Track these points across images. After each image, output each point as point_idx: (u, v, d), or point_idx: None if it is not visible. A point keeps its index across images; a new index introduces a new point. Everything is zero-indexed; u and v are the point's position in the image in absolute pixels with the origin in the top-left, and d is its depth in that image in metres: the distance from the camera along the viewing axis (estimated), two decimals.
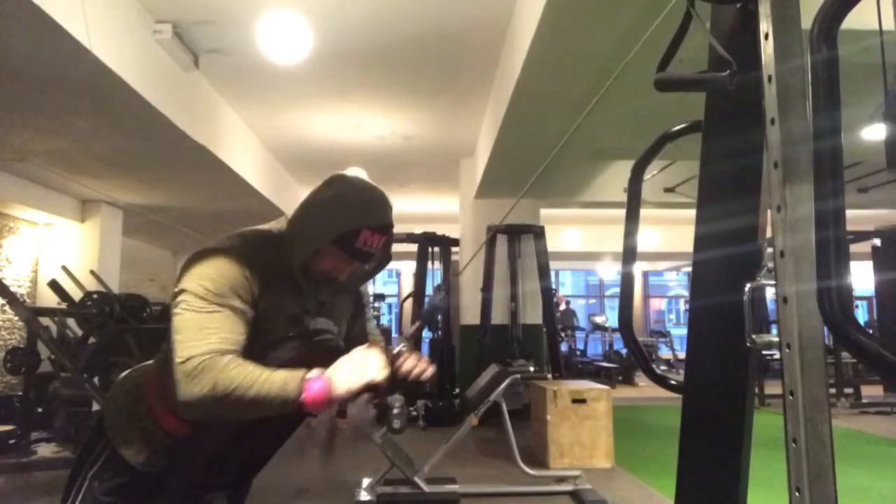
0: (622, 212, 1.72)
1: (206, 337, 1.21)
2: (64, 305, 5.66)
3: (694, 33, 1.24)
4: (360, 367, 1.24)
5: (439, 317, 7.90)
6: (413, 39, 4.69)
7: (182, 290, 1.26)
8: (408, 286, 14.05)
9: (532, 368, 6.86)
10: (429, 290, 8.11)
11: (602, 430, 4.90)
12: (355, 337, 1.57)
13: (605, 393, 5.02)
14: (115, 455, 1.36)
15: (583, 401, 4.93)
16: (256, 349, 1.29)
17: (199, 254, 1.31)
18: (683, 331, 14.94)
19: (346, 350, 1.36)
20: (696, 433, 1.28)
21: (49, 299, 6.02)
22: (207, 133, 5.51)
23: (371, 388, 1.26)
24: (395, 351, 1.38)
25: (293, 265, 1.36)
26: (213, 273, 1.26)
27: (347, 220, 1.32)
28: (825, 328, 0.93)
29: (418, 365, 1.40)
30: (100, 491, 1.35)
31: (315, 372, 1.22)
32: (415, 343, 7.54)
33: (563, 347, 10.53)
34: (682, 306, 19.51)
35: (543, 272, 7.27)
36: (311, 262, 1.36)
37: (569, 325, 12.82)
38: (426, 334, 8.38)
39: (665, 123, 1.66)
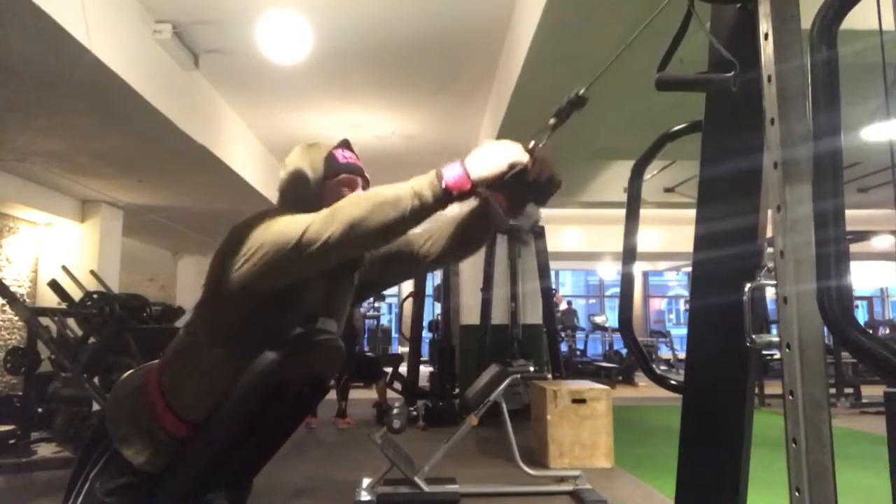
0: (622, 212, 1.73)
1: (306, 217, 1.22)
2: (64, 305, 5.65)
3: (694, 33, 1.24)
4: (499, 150, 1.18)
5: (436, 313, 7.88)
6: (413, 39, 4.69)
7: (249, 233, 1.23)
8: (408, 286, 14.04)
9: (532, 368, 6.86)
10: (429, 291, 8.12)
11: (602, 430, 4.90)
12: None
13: (605, 393, 5.02)
14: (117, 455, 1.36)
15: (583, 401, 4.93)
16: (264, 345, 1.28)
17: (247, 221, 1.29)
18: (683, 331, 14.95)
19: (345, 350, 1.36)
20: (696, 433, 1.28)
21: (49, 299, 6.01)
22: (207, 133, 5.51)
23: (514, 171, 1.17)
24: (530, 145, 1.25)
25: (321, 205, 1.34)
26: (270, 213, 1.30)
27: (318, 156, 1.40)
28: (825, 328, 0.93)
29: (550, 165, 1.26)
30: (101, 491, 1.35)
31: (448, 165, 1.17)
32: (414, 335, 7.54)
33: (563, 347, 10.53)
34: (682, 306, 19.52)
35: (543, 272, 7.27)
36: (322, 203, 1.34)
37: (569, 325, 12.82)
38: (426, 334, 8.38)
39: (665, 123, 1.66)
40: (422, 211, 1.14)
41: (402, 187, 1.15)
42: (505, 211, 1.29)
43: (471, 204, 1.37)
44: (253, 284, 1.24)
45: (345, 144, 1.47)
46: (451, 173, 1.15)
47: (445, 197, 1.14)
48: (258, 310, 1.30)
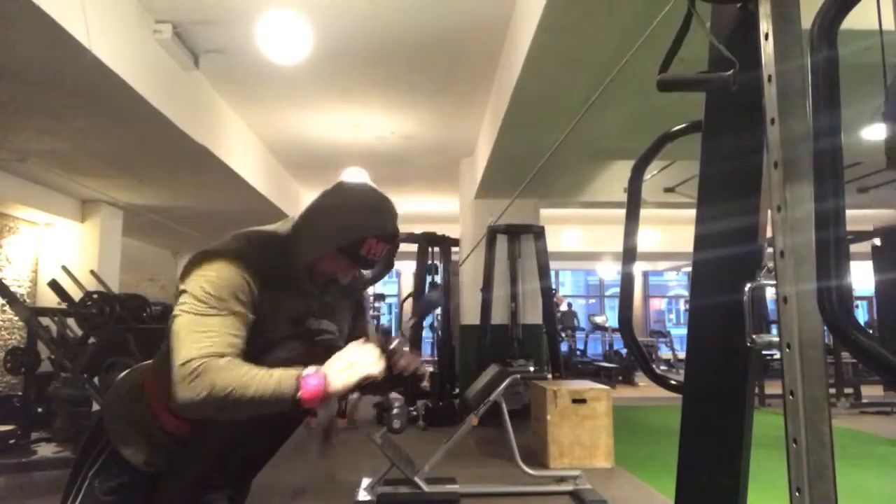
0: (622, 212, 1.73)
1: (204, 339, 1.22)
2: (64, 305, 5.65)
3: (694, 33, 1.24)
4: (355, 362, 1.25)
5: (436, 313, 7.90)
6: (413, 39, 4.69)
7: (183, 291, 1.28)
8: (408, 286, 14.04)
9: (532, 368, 6.86)
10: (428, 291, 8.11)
11: (602, 430, 4.90)
12: (355, 338, 1.57)
13: (605, 393, 5.02)
14: (116, 454, 1.36)
15: (583, 401, 4.93)
16: (258, 349, 1.30)
17: (201, 255, 1.31)
18: (683, 331, 14.93)
19: (342, 349, 1.37)
20: (696, 433, 1.28)
21: (49, 299, 6.01)
22: (207, 133, 5.51)
23: (367, 383, 1.26)
24: (390, 346, 1.38)
25: (297, 267, 1.36)
26: (214, 276, 1.27)
27: (353, 229, 1.33)
28: (825, 328, 0.93)
29: (412, 361, 1.41)
30: (100, 490, 1.35)
31: (311, 368, 1.23)
32: (413, 337, 7.55)
33: (563, 347, 10.53)
34: (682, 306, 19.51)
35: (543, 272, 7.27)
36: (314, 264, 1.38)
37: (569, 326, 12.82)
38: (427, 334, 8.38)
39: (665, 123, 1.66)
40: (276, 408, 1.21)
41: (269, 384, 1.20)
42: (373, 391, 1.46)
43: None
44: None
45: (389, 238, 1.38)
46: (310, 384, 1.21)
47: (298, 405, 1.21)
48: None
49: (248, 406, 1.19)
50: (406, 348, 1.42)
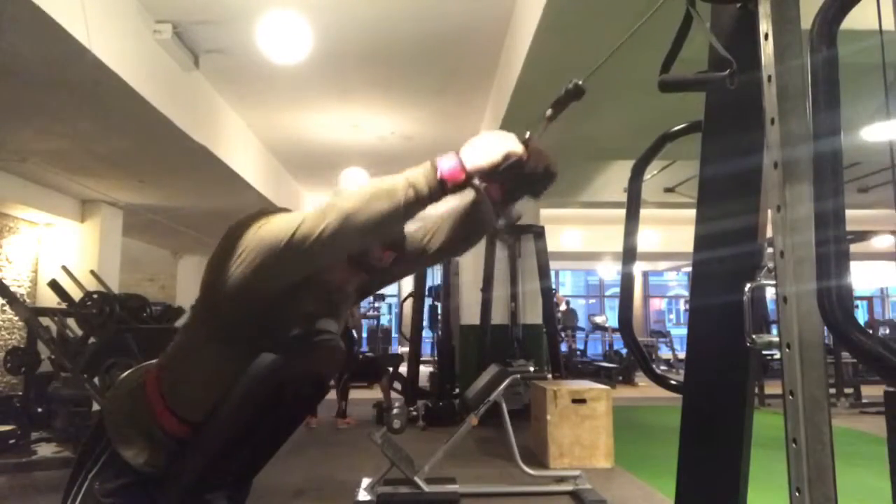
0: (622, 212, 1.73)
1: (299, 214, 1.17)
2: (64, 305, 5.66)
3: (696, 33, 1.24)
4: (494, 141, 1.17)
5: (436, 313, 7.88)
6: (413, 39, 4.69)
7: (243, 234, 1.20)
8: (408, 286, 14.02)
9: (532, 368, 6.86)
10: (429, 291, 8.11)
11: (602, 430, 4.90)
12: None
13: (605, 393, 5.02)
14: (116, 456, 1.35)
15: (583, 401, 4.93)
16: (263, 345, 1.28)
17: (241, 219, 1.25)
18: (683, 331, 14.94)
19: (342, 349, 1.36)
20: (696, 433, 1.28)
21: (49, 299, 6.01)
22: (207, 133, 5.51)
23: (509, 162, 1.15)
24: (526, 136, 1.24)
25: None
26: (266, 213, 1.24)
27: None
28: (825, 328, 0.93)
29: (545, 156, 1.26)
30: (100, 492, 1.35)
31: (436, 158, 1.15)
32: (413, 337, 7.54)
33: (563, 347, 10.53)
34: (682, 306, 19.52)
35: (543, 272, 7.27)
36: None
37: (570, 326, 12.82)
38: (427, 334, 8.38)
39: (665, 123, 1.66)
40: (417, 202, 1.12)
41: (396, 179, 1.13)
42: (499, 202, 1.29)
43: (467, 198, 1.35)
44: (249, 287, 1.21)
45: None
46: (447, 164, 1.14)
47: (440, 187, 1.13)
48: (256, 312, 1.28)
49: (383, 206, 1.09)
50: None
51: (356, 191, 1.14)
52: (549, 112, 1.24)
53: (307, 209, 1.19)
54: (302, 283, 1.31)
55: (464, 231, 1.45)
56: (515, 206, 1.35)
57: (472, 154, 1.14)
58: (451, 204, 1.32)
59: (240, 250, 1.20)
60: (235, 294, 1.22)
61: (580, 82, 1.21)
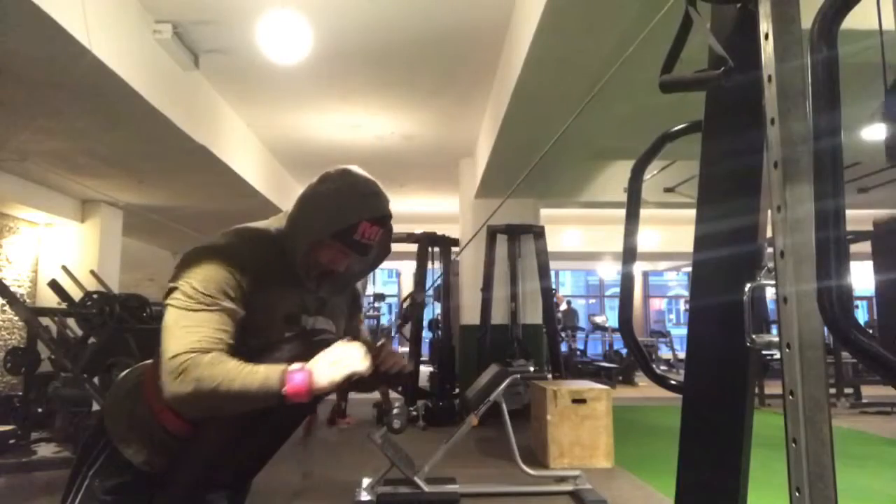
0: (622, 212, 1.72)
1: (191, 334, 1.23)
2: (64, 305, 5.65)
3: (697, 33, 1.24)
4: (341, 359, 1.26)
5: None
6: (413, 39, 4.70)
7: (173, 288, 1.29)
8: (408, 286, 14.03)
9: (532, 368, 6.86)
10: (429, 291, 8.10)
11: (602, 430, 4.90)
12: (346, 335, 1.58)
13: (605, 393, 5.01)
14: (116, 454, 1.36)
15: (583, 401, 4.93)
16: (256, 350, 1.29)
17: (192, 252, 1.33)
18: (683, 331, 14.94)
19: None
20: (696, 433, 1.28)
21: (49, 299, 6.01)
22: (207, 133, 5.51)
23: (352, 380, 1.26)
24: (377, 344, 1.41)
25: (295, 259, 1.37)
26: (203, 272, 1.29)
27: (346, 213, 1.35)
28: (825, 328, 0.92)
29: (398, 361, 1.42)
30: (100, 490, 1.35)
31: (297, 364, 1.23)
32: (413, 336, 7.53)
33: (563, 347, 10.53)
34: (682, 306, 19.52)
35: (543, 272, 7.27)
36: (309, 255, 1.38)
37: (570, 325, 12.82)
38: (427, 334, 8.39)
39: (665, 123, 1.66)
40: (262, 404, 1.23)
41: (256, 379, 1.21)
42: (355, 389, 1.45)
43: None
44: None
45: (382, 221, 1.41)
46: (295, 380, 1.22)
47: (283, 400, 1.22)
48: (245, 318, 1.34)
49: (236, 401, 1.21)
50: (394, 347, 1.43)
51: (224, 371, 1.21)
52: (399, 322, 1.50)
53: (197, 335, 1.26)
54: (270, 293, 1.36)
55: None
56: (399, 409, 1.58)
57: (320, 372, 1.24)
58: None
59: (166, 297, 1.32)
60: None
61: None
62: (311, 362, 1.25)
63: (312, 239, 1.36)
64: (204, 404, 1.22)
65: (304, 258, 1.38)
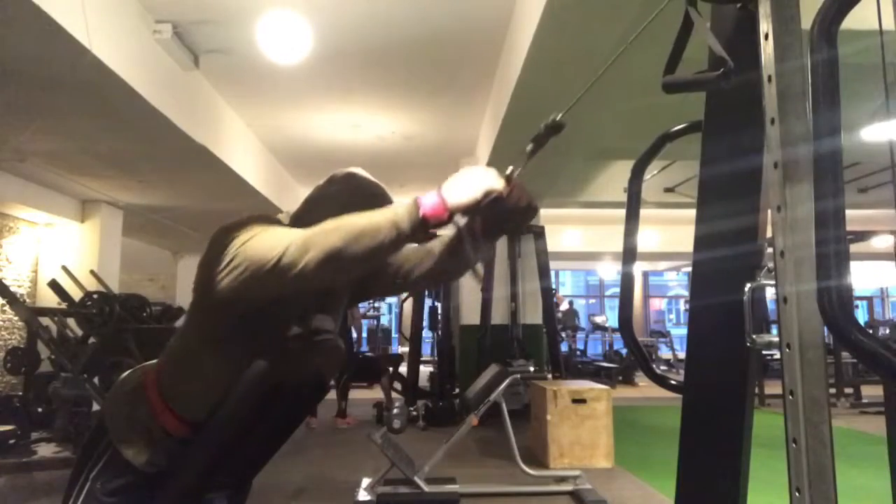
0: (622, 212, 1.72)
1: (286, 234, 1.18)
2: (64, 305, 5.65)
3: (699, 33, 1.23)
4: (474, 178, 1.19)
5: (437, 312, 7.89)
6: (413, 39, 4.69)
7: (231, 242, 1.21)
8: None
9: (532, 368, 6.86)
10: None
11: (602, 430, 4.91)
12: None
13: (605, 393, 5.02)
14: (117, 455, 1.36)
15: (583, 401, 4.93)
16: (259, 349, 1.29)
17: (227, 225, 1.27)
18: (683, 331, 14.94)
19: (342, 349, 1.37)
20: (696, 433, 1.28)
21: (49, 299, 6.01)
22: (207, 133, 5.51)
23: (489, 198, 1.18)
24: (507, 171, 1.27)
25: None
26: (253, 223, 1.25)
27: (371, 194, 1.36)
28: (825, 328, 0.92)
29: (526, 193, 1.31)
30: (101, 491, 1.35)
31: (420, 197, 1.17)
32: (414, 337, 7.53)
33: (563, 347, 10.53)
34: (682, 306, 19.52)
35: (543, 272, 7.27)
36: None
37: (570, 325, 12.82)
38: (427, 334, 8.39)
39: (665, 123, 1.66)
40: (399, 240, 1.15)
41: (379, 217, 1.15)
42: (479, 237, 1.32)
43: (449, 236, 1.39)
44: (236, 296, 1.23)
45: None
46: (429, 202, 1.15)
47: (423, 226, 1.15)
48: (249, 313, 1.30)
49: (368, 243, 1.11)
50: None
51: (342, 226, 1.14)
52: (529, 147, 1.27)
53: (295, 231, 1.20)
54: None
55: (443, 266, 1.49)
56: (492, 246, 1.38)
57: (454, 191, 1.16)
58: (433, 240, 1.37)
59: (227, 259, 1.21)
60: (225, 300, 1.24)
61: (559, 117, 1.23)
62: (442, 186, 1.18)
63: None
64: (336, 259, 1.12)
65: None
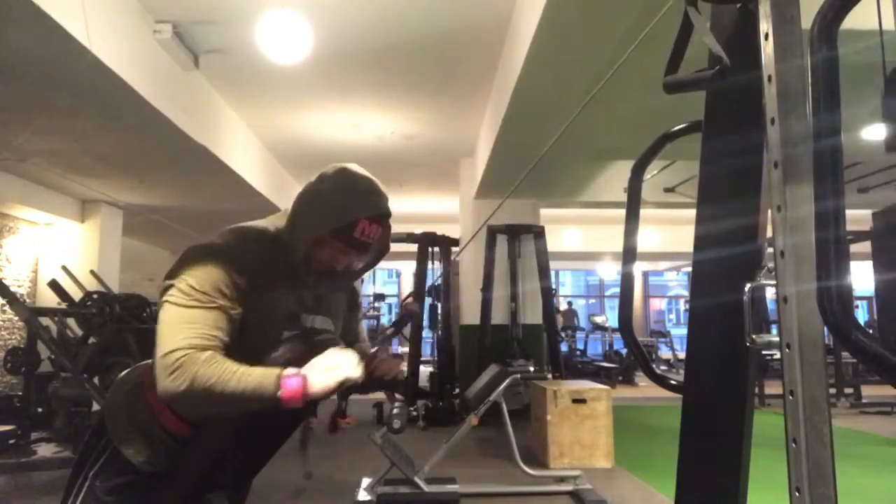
0: (622, 212, 1.72)
1: (186, 331, 1.23)
2: (64, 305, 5.65)
3: (699, 33, 1.23)
4: (336, 366, 1.26)
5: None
6: (413, 39, 4.70)
7: (169, 286, 1.29)
8: (408, 286, 14.03)
9: (532, 368, 6.86)
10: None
11: (602, 430, 4.90)
12: (344, 333, 1.58)
13: (605, 393, 5.01)
14: (117, 454, 1.36)
15: (583, 401, 4.93)
16: (255, 349, 1.29)
17: (190, 250, 1.33)
18: (683, 331, 14.94)
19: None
20: (696, 433, 1.28)
21: (49, 299, 6.01)
22: (207, 133, 5.51)
23: (346, 386, 1.27)
24: (370, 351, 1.41)
25: (295, 258, 1.36)
26: (199, 270, 1.28)
27: (344, 211, 1.35)
28: (825, 328, 0.92)
29: (392, 367, 1.44)
30: (101, 490, 1.35)
31: (291, 370, 1.23)
32: (413, 337, 7.53)
33: (563, 347, 10.53)
34: (682, 306, 19.53)
35: (543, 272, 7.27)
36: (309, 253, 1.38)
37: (570, 325, 12.82)
38: (427, 334, 8.39)
39: (665, 123, 1.65)
40: (259, 406, 1.23)
41: (247, 383, 1.21)
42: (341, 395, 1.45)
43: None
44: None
45: (380, 217, 1.40)
46: (290, 385, 1.22)
47: (278, 405, 1.22)
48: (244, 318, 1.33)
49: (231, 401, 1.21)
50: (393, 349, 1.43)
51: (216, 378, 1.20)
52: (389, 331, 1.56)
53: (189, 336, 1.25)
54: (271, 293, 1.35)
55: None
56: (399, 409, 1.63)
57: (315, 378, 1.24)
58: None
59: (162, 295, 1.31)
60: None
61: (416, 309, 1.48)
62: (305, 367, 1.25)
63: (312, 236, 1.35)
64: (198, 403, 1.23)
65: (305, 256, 1.38)
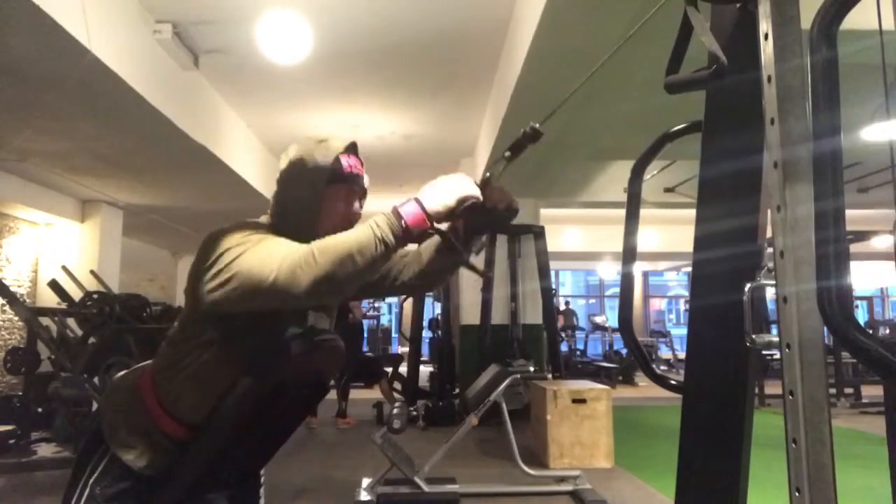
0: (622, 212, 1.72)
1: (275, 249, 1.18)
2: (64, 305, 5.66)
3: (698, 33, 1.23)
4: (450, 185, 1.21)
5: (436, 312, 7.88)
6: (413, 39, 4.69)
7: (223, 252, 1.21)
8: None
9: (532, 368, 6.86)
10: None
11: (602, 430, 4.91)
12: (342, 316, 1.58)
13: (605, 393, 5.02)
14: (116, 460, 1.34)
15: (583, 401, 4.93)
16: (257, 349, 1.29)
17: (209, 235, 1.28)
18: (683, 331, 14.95)
19: (342, 349, 1.36)
20: (696, 433, 1.28)
21: (49, 299, 6.02)
22: (207, 133, 5.51)
23: (465, 205, 1.20)
24: (486, 175, 1.31)
25: (310, 231, 1.32)
26: (230, 235, 1.25)
27: (324, 158, 1.36)
28: (825, 328, 0.92)
29: (505, 195, 1.32)
30: (101, 497, 1.33)
31: (401, 201, 1.19)
32: (413, 337, 7.53)
33: (563, 347, 10.53)
34: (682, 306, 19.53)
35: (543, 272, 7.27)
36: (320, 220, 1.35)
37: (569, 325, 12.82)
38: (427, 334, 8.39)
39: (665, 123, 1.66)
40: (386, 254, 1.16)
41: (364, 234, 1.15)
42: (462, 237, 1.35)
43: (435, 240, 1.42)
44: (225, 308, 1.23)
45: (352, 149, 1.45)
46: (409, 211, 1.17)
47: (406, 236, 1.17)
48: (244, 319, 1.28)
49: (360, 256, 1.13)
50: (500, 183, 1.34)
51: (329, 248, 1.14)
52: (507, 154, 1.32)
53: (286, 247, 1.19)
54: None
55: (434, 266, 1.51)
56: (481, 238, 1.42)
57: (431, 199, 1.19)
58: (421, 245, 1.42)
59: (217, 270, 1.21)
60: (217, 309, 1.24)
61: (538, 126, 1.27)
62: (417, 194, 1.20)
63: (315, 196, 1.34)
64: (335, 274, 1.12)
65: (316, 227, 1.34)
